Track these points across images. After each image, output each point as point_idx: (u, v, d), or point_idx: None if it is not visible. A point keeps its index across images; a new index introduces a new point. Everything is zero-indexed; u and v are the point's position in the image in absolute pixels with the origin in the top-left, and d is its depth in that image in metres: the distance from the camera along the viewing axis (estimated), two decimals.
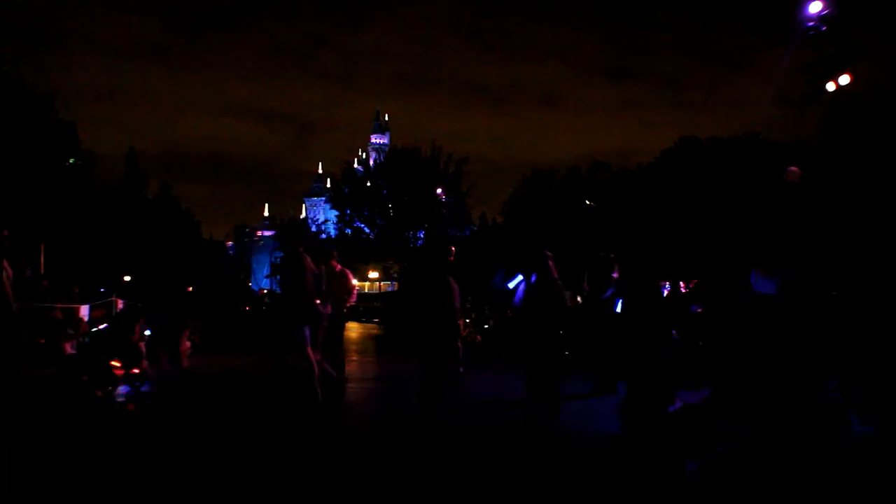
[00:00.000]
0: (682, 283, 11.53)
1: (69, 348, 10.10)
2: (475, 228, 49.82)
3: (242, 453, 5.21)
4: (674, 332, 8.40)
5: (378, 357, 14.16)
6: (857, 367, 5.30)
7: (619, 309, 8.52)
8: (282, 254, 13.90)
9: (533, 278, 6.61)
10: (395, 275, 52.50)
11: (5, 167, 23.29)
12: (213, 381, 9.30)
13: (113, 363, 7.79)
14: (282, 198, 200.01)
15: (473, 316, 17.85)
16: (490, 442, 5.77)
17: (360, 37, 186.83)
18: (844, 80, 9.57)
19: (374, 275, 52.07)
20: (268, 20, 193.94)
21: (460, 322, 9.58)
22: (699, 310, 8.55)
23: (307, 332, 7.21)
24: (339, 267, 9.13)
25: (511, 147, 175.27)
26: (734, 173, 29.23)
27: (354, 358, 13.03)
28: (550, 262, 6.63)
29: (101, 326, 11.35)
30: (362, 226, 49.49)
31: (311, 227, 55.44)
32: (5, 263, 7.86)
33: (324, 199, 75.07)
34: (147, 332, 9.13)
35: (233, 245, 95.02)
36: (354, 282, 9.95)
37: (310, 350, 7.20)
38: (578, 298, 10.84)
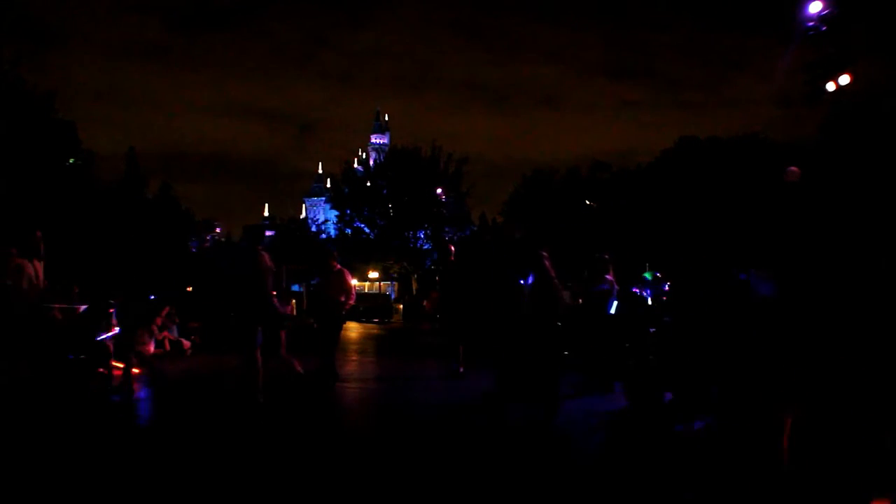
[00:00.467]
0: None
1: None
2: (475, 228, 49.86)
3: (242, 453, 5.20)
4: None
5: (378, 357, 14.14)
6: (857, 367, 5.28)
7: (612, 310, 8.55)
8: (239, 252, 13.65)
9: (530, 279, 6.60)
10: (395, 275, 52.53)
11: (5, 167, 23.31)
12: (213, 381, 9.30)
13: (78, 360, 7.70)
14: (282, 198, 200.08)
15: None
16: (490, 442, 5.75)
17: (360, 37, 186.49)
18: (844, 80, 9.59)
19: (374, 275, 52.00)
20: (268, 20, 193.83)
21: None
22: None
23: (259, 333, 7.08)
24: (337, 267, 9.14)
25: (511, 147, 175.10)
26: (734, 173, 29.27)
27: (354, 358, 13.01)
28: (547, 262, 6.62)
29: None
30: (362, 226, 49.55)
31: (311, 227, 55.43)
32: (36, 264, 7.70)
33: (324, 199, 74.97)
34: (117, 331, 8.87)
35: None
36: (354, 282, 9.94)
37: (258, 352, 7.06)
38: (580, 300, 10.85)
